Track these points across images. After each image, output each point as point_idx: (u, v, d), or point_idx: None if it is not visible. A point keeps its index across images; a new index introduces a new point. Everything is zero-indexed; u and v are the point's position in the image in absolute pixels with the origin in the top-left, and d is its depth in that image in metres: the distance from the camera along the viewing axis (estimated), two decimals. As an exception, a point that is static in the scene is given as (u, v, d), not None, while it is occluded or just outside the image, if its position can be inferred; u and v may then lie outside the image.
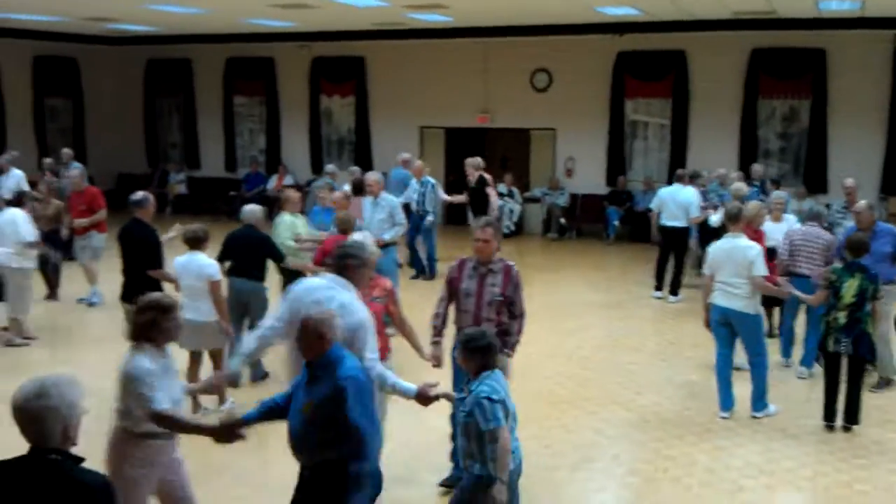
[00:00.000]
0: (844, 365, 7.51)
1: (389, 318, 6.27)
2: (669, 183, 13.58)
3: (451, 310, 6.21)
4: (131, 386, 4.35)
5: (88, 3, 14.20)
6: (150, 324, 4.49)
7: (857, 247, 7.52)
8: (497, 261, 6.09)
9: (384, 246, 9.61)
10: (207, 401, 7.76)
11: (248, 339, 5.40)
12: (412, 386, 4.91)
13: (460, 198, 14.19)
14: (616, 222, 17.22)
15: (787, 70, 16.20)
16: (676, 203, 12.34)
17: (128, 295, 8.22)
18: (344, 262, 5.13)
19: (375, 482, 4.48)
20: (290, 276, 8.61)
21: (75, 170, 12.94)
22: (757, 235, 8.63)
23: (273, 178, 19.92)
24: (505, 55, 18.01)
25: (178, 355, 7.85)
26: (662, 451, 7.10)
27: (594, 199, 17.85)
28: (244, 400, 7.17)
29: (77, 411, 3.19)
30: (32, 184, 13.45)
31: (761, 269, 7.58)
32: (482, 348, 4.81)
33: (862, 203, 8.98)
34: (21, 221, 9.82)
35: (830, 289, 7.43)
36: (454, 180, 16.77)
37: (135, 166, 21.59)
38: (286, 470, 4.64)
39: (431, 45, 18.47)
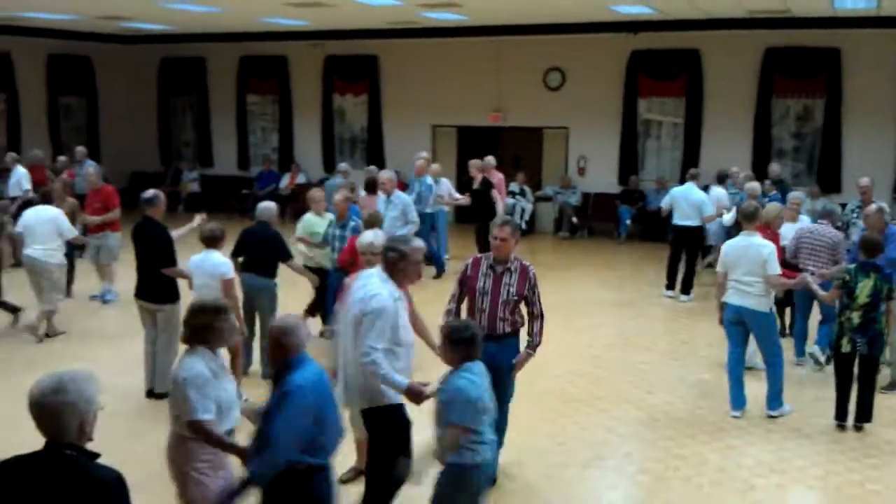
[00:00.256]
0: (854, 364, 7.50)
1: None
2: (682, 182, 13.53)
3: (462, 308, 6.24)
4: (180, 391, 4.38)
5: (102, 2, 14.26)
6: (205, 327, 4.50)
7: (871, 247, 7.50)
8: (514, 260, 6.10)
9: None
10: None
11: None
12: (404, 380, 5.01)
13: (462, 200, 14.15)
14: (628, 221, 17.19)
15: (801, 69, 16.13)
16: (689, 202, 12.33)
17: (142, 292, 8.31)
18: (384, 255, 5.28)
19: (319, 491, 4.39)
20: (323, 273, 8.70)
21: (91, 167, 13.01)
22: (774, 237, 8.60)
23: (286, 176, 20.00)
24: (518, 54, 18.00)
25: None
26: (673, 450, 7.10)
27: (606, 198, 17.83)
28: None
29: (93, 407, 3.19)
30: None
31: (775, 267, 7.57)
32: (466, 340, 4.76)
33: (872, 206, 8.96)
34: (62, 218, 10.15)
35: (844, 288, 7.42)
36: (467, 180, 16.76)
37: (148, 164, 21.68)
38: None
39: (444, 44, 18.48)
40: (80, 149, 16.35)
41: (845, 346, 7.42)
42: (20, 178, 14.00)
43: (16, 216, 11.63)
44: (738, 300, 7.68)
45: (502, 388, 6.32)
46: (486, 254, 6.21)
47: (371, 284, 5.17)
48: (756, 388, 7.91)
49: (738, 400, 7.83)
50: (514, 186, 17.03)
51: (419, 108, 19.07)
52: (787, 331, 9.95)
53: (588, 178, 18.17)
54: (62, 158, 15.72)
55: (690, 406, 8.16)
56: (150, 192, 8.57)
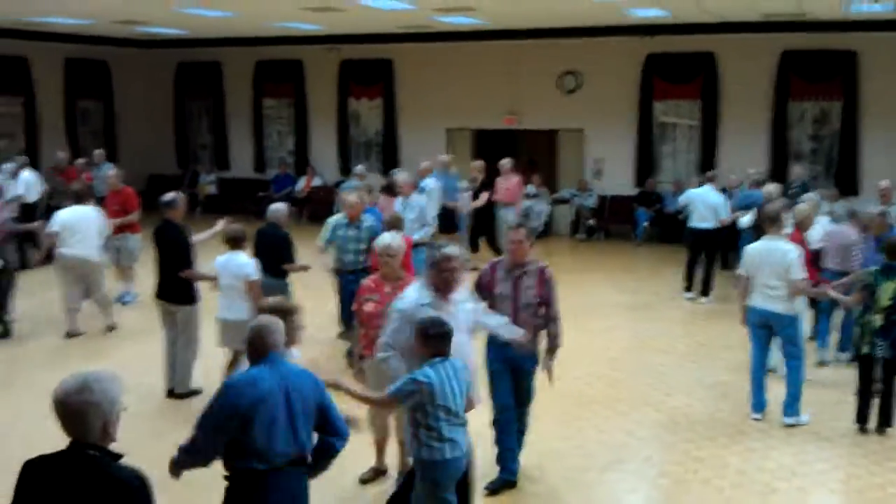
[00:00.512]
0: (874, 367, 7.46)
1: None
2: (699, 184, 13.48)
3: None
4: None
5: (119, 7, 14.33)
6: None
7: (894, 250, 7.45)
8: (530, 262, 6.09)
9: (415, 246, 9.63)
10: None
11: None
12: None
13: (460, 205, 14.14)
14: (645, 224, 17.14)
15: (817, 72, 16.07)
16: (706, 204, 12.30)
17: (162, 293, 8.35)
18: (428, 267, 5.39)
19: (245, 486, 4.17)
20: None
21: (111, 170, 13.05)
22: (802, 239, 8.53)
23: (302, 179, 20.03)
24: (533, 57, 17.97)
25: (218, 353, 7.99)
26: (693, 453, 7.07)
27: (623, 201, 17.77)
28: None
29: (117, 407, 3.18)
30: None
31: (800, 272, 7.50)
32: (440, 335, 4.78)
33: (873, 211, 9.01)
34: (99, 216, 10.46)
35: (866, 291, 7.37)
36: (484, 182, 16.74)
37: (165, 167, 21.76)
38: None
39: (459, 48, 18.47)
40: (98, 152, 16.44)
41: (866, 349, 7.37)
42: (25, 183, 14.08)
43: (17, 219, 11.74)
44: (765, 304, 7.61)
45: (523, 391, 6.32)
46: (500, 258, 6.21)
47: (407, 292, 5.41)
48: (777, 390, 7.86)
49: (759, 402, 7.78)
50: (530, 188, 17.00)
51: (434, 111, 19.07)
52: (811, 333, 9.89)
53: (604, 180, 18.11)
54: (80, 161, 15.80)
55: (710, 408, 8.12)
56: (169, 195, 8.61)
